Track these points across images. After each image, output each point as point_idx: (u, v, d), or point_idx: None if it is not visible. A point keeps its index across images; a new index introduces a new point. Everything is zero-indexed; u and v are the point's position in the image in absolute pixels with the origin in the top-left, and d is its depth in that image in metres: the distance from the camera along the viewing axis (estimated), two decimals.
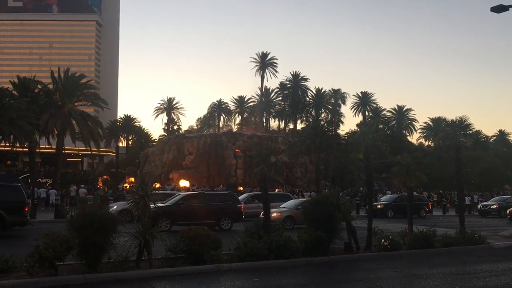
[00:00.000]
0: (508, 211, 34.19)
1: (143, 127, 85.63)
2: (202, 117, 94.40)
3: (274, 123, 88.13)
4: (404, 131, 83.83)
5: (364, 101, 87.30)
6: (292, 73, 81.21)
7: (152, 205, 13.49)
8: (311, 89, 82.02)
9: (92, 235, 11.20)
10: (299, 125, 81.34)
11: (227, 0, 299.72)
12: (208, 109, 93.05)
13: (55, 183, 44.95)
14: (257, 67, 79.76)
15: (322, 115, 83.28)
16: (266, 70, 79.61)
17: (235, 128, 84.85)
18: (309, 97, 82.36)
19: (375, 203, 33.84)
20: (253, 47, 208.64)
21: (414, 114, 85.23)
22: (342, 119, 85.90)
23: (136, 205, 13.18)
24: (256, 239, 14.15)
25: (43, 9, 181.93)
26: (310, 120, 79.90)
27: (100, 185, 49.53)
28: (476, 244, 17.52)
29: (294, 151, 57.51)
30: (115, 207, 24.57)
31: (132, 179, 55.11)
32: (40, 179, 50.58)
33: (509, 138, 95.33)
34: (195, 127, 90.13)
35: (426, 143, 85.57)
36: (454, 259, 15.55)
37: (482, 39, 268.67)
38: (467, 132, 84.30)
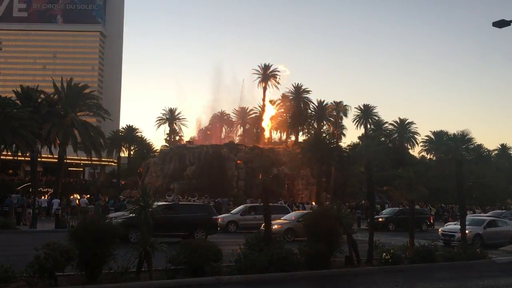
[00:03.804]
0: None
1: (145, 138, 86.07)
2: (203, 128, 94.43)
3: (276, 135, 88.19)
4: (406, 144, 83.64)
5: (366, 114, 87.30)
6: (294, 85, 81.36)
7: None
8: (313, 101, 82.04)
9: (93, 245, 11.18)
10: (301, 137, 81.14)
11: (230, 12, 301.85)
12: (210, 120, 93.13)
13: (56, 193, 44.87)
14: (259, 79, 79.95)
15: (324, 127, 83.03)
16: (269, 82, 79.74)
17: (236, 140, 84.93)
18: (311, 109, 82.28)
19: (377, 216, 33.63)
20: (255, 59, 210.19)
21: (416, 127, 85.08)
22: (344, 131, 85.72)
23: (137, 216, 13.08)
24: (257, 252, 14.09)
25: (48, 19, 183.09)
26: (312, 132, 79.75)
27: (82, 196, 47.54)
28: (478, 259, 17.41)
29: (295, 163, 57.45)
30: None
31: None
32: (41, 189, 50.48)
33: (511, 152, 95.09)
34: (197, 138, 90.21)
35: (428, 157, 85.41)
36: (456, 274, 15.46)
37: (484, 52, 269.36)
38: (469, 146, 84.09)
